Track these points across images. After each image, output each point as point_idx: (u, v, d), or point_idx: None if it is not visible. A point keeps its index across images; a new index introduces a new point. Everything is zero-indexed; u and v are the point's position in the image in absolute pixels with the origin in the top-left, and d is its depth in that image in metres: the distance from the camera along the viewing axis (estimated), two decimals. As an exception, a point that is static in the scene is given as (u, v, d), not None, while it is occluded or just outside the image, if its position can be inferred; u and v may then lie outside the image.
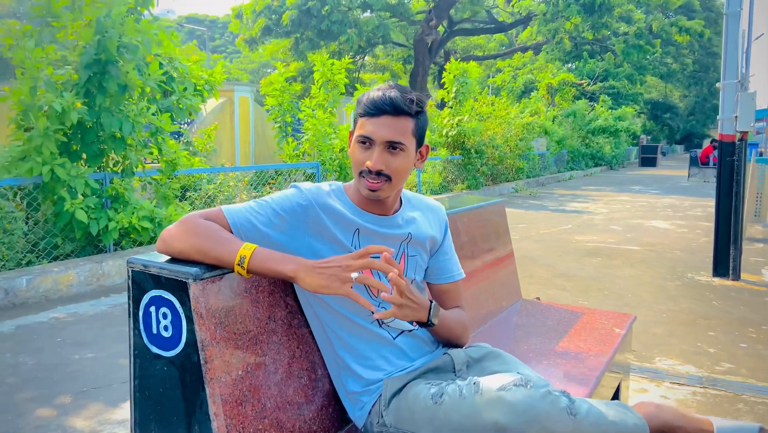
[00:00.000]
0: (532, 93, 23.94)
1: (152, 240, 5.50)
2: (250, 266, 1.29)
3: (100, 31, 4.65)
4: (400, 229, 1.55)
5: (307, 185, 1.49)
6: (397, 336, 1.54)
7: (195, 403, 1.29)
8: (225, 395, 1.30)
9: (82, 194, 4.80)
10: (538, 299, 4.79)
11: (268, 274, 1.31)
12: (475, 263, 2.60)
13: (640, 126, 35.16)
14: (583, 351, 2.25)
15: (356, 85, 9.92)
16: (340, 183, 1.56)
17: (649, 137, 38.68)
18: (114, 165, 5.22)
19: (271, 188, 8.35)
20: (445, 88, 13.16)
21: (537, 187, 15.59)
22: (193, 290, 1.28)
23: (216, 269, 1.33)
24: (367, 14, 21.79)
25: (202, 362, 1.28)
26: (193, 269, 1.29)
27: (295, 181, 8.46)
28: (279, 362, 1.46)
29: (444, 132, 12.47)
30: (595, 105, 24.61)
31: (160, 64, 5.79)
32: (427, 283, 1.68)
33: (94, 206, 4.85)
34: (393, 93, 1.42)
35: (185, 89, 5.77)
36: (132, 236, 5.18)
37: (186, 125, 8.58)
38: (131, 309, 1.37)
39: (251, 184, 8.33)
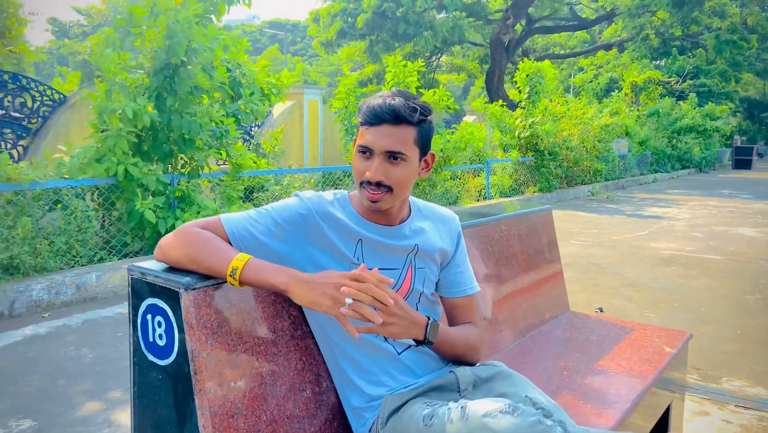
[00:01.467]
0: (613, 92, 22.95)
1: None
2: (242, 277, 1.28)
3: (170, 36, 4.84)
4: (406, 240, 1.49)
5: (308, 194, 1.46)
6: (402, 351, 1.48)
7: (186, 413, 1.29)
8: (215, 407, 1.28)
9: (152, 194, 5.01)
10: (600, 310, 4.59)
11: (260, 286, 1.29)
12: (515, 272, 2.49)
13: (735, 126, 32.97)
14: (624, 370, 2.10)
15: (433, 85, 9.89)
16: (345, 192, 1.52)
17: (744, 138, 36.20)
18: (182, 166, 5.43)
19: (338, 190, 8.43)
20: (518, 88, 12.84)
21: (616, 190, 14.94)
22: (184, 299, 1.27)
23: (211, 278, 1.32)
24: (443, 15, 21.63)
25: (192, 372, 1.27)
26: (185, 279, 1.28)
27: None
28: (278, 374, 1.44)
29: (516, 133, 12.17)
30: (681, 103, 23.25)
31: (228, 69, 5.97)
32: (440, 296, 1.61)
33: (162, 206, 5.06)
34: (393, 101, 1.37)
35: (252, 94, 5.91)
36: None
37: (256, 128, 8.81)
38: (131, 316, 1.39)
39: (318, 185, 8.44)
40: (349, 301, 1.24)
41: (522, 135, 12.11)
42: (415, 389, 1.45)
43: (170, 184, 5.26)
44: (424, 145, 1.42)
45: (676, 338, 2.44)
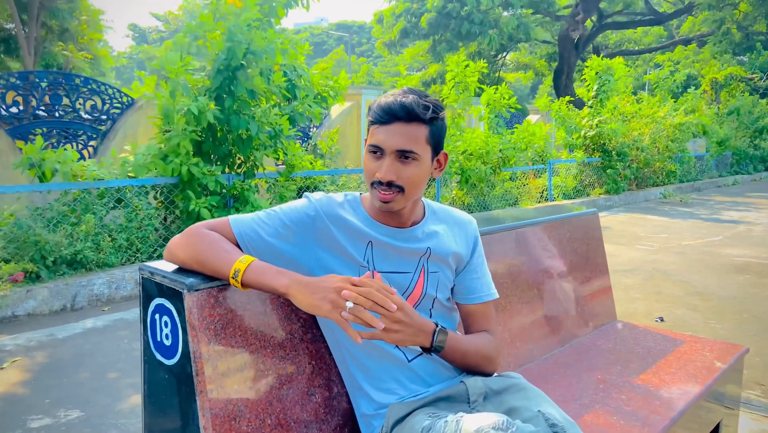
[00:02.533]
0: (689, 89, 21.83)
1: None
2: (244, 279, 1.27)
3: (230, 39, 4.97)
4: (418, 243, 1.44)
5: (318, 195, 1.44)
6: (413, 359, 1.43)
7: (189, 414, 1.29)
8: (216, 409, 1.28)
9: (208, 193, 5.16)
10: (660, 320, 4.35)
11: (262, 288, 1.28)
12: (553, 278, 2.39)
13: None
14: (667, 385, 1.97)
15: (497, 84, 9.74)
16: (357, 194, 1.49)
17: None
18: (238, 167, 5.56)
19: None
20: (585, 86, 12.42)
21: (691, 192, 14.20)
22: (187, 300, 1.28)
23: (216, 280, 1.32)
24: (508, 13, 21.23)
25: (194, 373, 1.27)
26: (189, 280, 1.29)
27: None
28: (285, 378, 1.42)
29: (581, 133, 11.77)
30: (761, 101, 21.80)
31: (285, 72, 6.07)
32: (455, 303, 1.55)
33: (216, 205, 5.19)
34: (404, 98, 1.32)
35: (306, 96, 5.98)
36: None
37: (314, 128, 8.92)
38: (141, 314, 1.41)
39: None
40: (349, 305, 1.21)
41: (588, 134, 11.70)
42: (423, 398, 1.40)
43: (227, 184, 5.40)
44: (436, 144, 1.37)
45: (729, 352, 2.27)
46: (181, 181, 5.01)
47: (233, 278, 1.27)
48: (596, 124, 11.63)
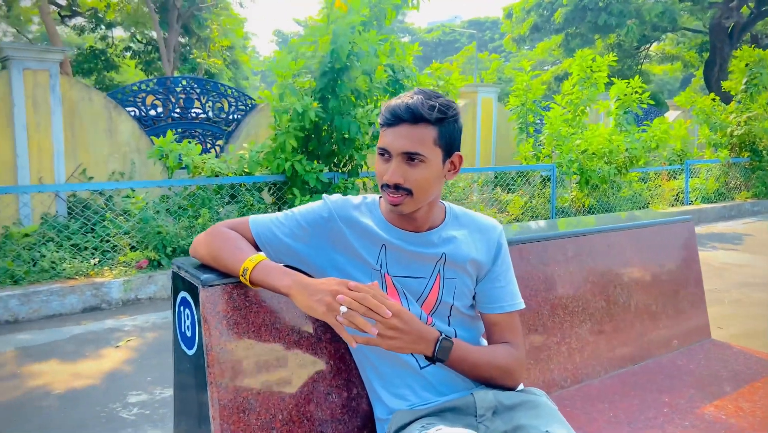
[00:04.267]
0: None
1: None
2: (252, 277, 1.31)
3: (334, 42, 5.14)
4: (433, 248, 1.41)
5: (334, 197, 1.45)
6: (425, 366, 1.40)
7: (203, 403, 1.37)
8: (224, 400, 1.34)
9: (311, 191, 5.37)
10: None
11: (268, 287, 1.32)
12: (628, 289, 2.21)
13: None
14: (742, 414, 1.76)
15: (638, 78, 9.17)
16: (377, 196, 1.48)
17: None
18: (343, 165, 5.72)
19: (508, 190, 8.21)
20: (733, 79, 11.27)
21: None
22: (201, 295, 1.35)
23: (232, 276, 1.38)
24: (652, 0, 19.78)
25: (206, 365, 1.34)
26: (204, 276, 1.36)
27: (532, 183, 8.18)
28: (299, 375, 1.45)
29: (728, 131, 10.71)
30: None
31: (393, 70, 6.15)
32: (479, 312, 1.49)
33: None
34: (411, 99, 1.30)
35: (413, 95, 6.01)
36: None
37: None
38: (172, 306, 1.51)
39: (488, 185, 8.31)
40: (343, 309, 1.21)
41: (735, 132, 10.62)
42: (429, 407, 1.37)
43: (331, 182, 5.58)
44: (447, 146, 1.33)
45: (836, 385, 1.96)
46: (287, 178, 5.26)
47: (242, 275, 1.32)
48: (745, 121, 10.53)
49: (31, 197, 5.69)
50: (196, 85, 7.02)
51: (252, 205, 5.31)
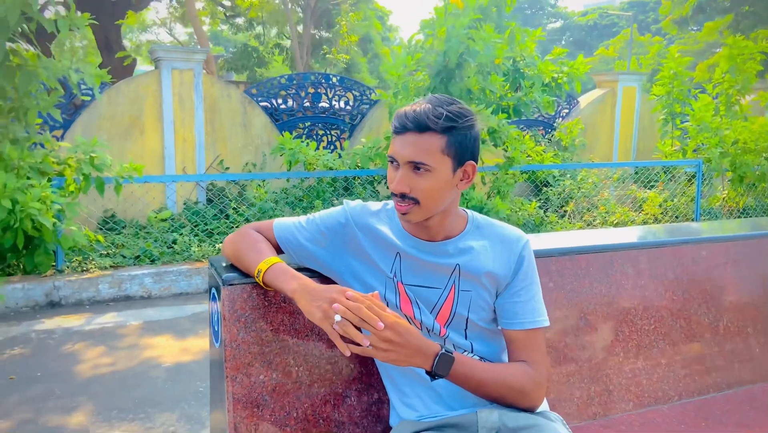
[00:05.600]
0: None
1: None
2: (265, 279, 1.36)
3: (447, 41, 5.11)
4: (448, 258, 1.36)
5: (353, 203, 1.45)
6: (435, 379, 1.37)
7: (223, 395, 1.45)
8: (238, 394, 1.41)
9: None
10: None
11: (277, 289, 1.36)
12: (725, 308, 1.98)
13: None
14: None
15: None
16: None
17: None
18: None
19: (650, 188, 7.61)
20: None
21: None
22: (223, 293, 1.42)
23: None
24: None
25: (223, 359, 1.42)
26: (226, 275, 1.43)
27: (677, 181, 7.50)
28: (316, 376, 1.48)
29: None
30: None
31: (514, 61, 5.97)
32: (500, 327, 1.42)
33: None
34: (420, 107, 1.27)
35: (533, 85, 5.79)
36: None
37: (560, 119, 8.51)
38: (208, 301, 1.61)
39: (624, 182, 7.76)
40: (338, 318, 1.22)
41: None
42: (432, 421, 1.33)
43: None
44: (459, 155, 1.28)
45: None
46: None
47: (257, 276, 1.37)
48: None
49: (176, 186, 6.30)
50: (323, 80, 7.30)
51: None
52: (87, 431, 2.62)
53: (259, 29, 17.07)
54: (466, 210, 1.45)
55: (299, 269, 1.44)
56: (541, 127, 8.38)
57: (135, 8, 11.75)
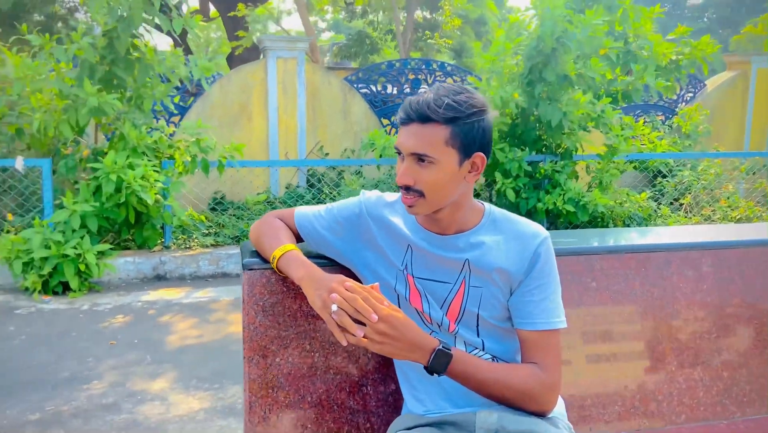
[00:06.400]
0: None
1: (588, 223, 5.49)
2: (278, 265, 1.39)
3: (542, 25, 4.90)
4: (458, 252, 1.32)
5: (370, 194, 1.45)
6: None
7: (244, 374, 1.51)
8: (254, 375, 1.46)
9: (516, 175, 5.22)
10: None
11: (289, 276, 1.38)
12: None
13: None
14: None
15: None
16: None
17: None
18: (556, 147, 5.42)
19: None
20: None
21: None
22: (244, 277, 1.48)
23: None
24: None
25: (243, 340, 1.48)
26: (248, 260, 1.49)
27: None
28: (332, 362, 1.50)
29: None
30: None
31: (626, 41, 5.61)
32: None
33: (525, 186, 5.21)
34: (424, 96, 1.23)
35: (647, 68, 5.38)
36: (561, 218, 5.31)
37: (683, 104, 7.84)
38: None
39: (752, 173, 7.05)
40: (334, 308, 1.23)
41: None
42: (434, 417, 1.31)
43: (539, 166, 5.36)
44: (465, 147, 1.24)
45: None
46: (488, 164, 5.22)
47: (272, 262, 1.41)
48: None
49: (279, 170, 6.59)
50: (424, 66, 7.28)
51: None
52: (165, 398, 2.84)
53: (372, 16, 17.29)
54: (485, 204, 1.40)
55: (318, 258, 1.46)
56: (661, 113, 7.80)
57: (261, 2, 12.31)
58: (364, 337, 1.20)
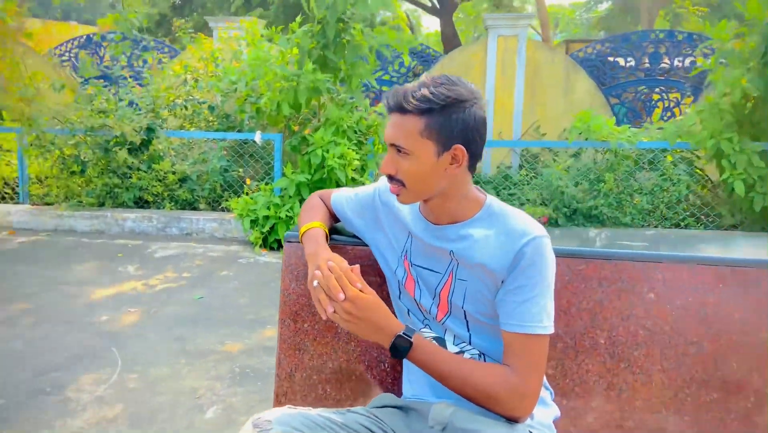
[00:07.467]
0: None
1: None
2: (302, 239, 1.53)
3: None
4: (445, 243, 1.33)
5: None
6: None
7: (282, 333, 1.69)
8: (284, 336, 1.64)
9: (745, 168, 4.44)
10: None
11: (305, 250, 1.51)
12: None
13: None
14: None
15: None
16: None
17: None
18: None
19: None
20: None
21: None
22: (285, 247, 1.66)
23: (311, 235, 1.61)
24: None
25: (279, 304, 1.66)
26: (288, 232, 1.65)
27: None
28: (354, 335, 1.59)
29: None
30: None
31: None
32: (500, 326, 1.29)
33: (759, 179, 4.40)
34: (406, 86, 1.25)
35: None
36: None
37: None
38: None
39: None
40: (315, 284, 1.33)
41: None
42: (407, 400, 1.36)
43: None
44: (443, 138, 1.22)
45: None
46: (712, 155, 4.52)
47: (300, 237, 1.55)
48: None
49: (491, 150, 6.59)
50: (666, 39, 6.48)
51: (671, 176, 4.79)
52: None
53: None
54: (488, 196, 1.34)
55: (351, 236, 1.58)
56: None
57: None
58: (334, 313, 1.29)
